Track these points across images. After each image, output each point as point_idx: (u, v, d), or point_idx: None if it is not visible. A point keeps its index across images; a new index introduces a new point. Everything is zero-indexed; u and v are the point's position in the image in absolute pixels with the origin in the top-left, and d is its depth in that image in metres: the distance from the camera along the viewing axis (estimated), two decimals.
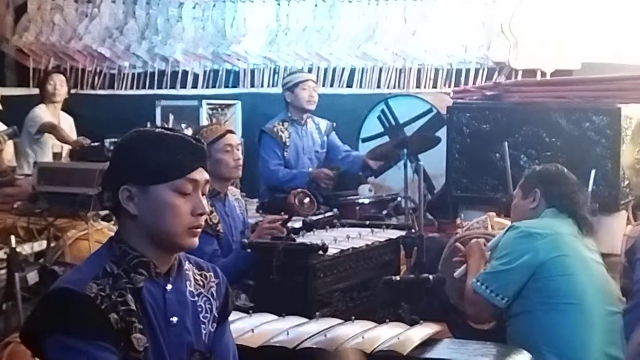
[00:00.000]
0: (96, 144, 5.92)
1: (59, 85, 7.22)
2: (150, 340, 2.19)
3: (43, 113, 7.14)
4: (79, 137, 6.96)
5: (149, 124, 6.81)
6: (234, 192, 4.71)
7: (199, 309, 2.34)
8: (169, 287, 2.28)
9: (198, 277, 2.37)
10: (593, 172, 5.05)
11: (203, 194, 2.27)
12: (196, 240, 2.27)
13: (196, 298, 2.34)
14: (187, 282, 2.34)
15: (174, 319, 2.26)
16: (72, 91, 7.68)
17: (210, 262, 2.48)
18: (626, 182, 5.33)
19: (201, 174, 2.25)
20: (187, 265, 2.36)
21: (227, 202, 4.52)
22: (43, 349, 2.13)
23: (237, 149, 4.51)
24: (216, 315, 2.38)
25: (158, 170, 2.20)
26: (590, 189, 4.89)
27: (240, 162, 4.50)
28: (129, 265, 2.22)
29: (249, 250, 4.14)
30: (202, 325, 2.33)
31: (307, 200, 5.52)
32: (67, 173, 5.54)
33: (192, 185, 2.23)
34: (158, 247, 2.25)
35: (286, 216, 4.42)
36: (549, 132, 5.49)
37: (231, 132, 4.58)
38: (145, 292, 2.22)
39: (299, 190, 5.66)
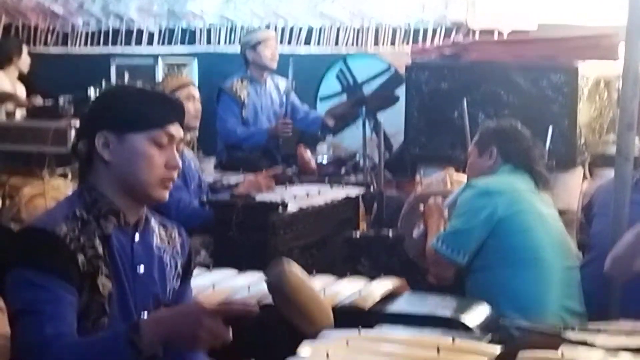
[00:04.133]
0: (50, 102, 5.85)
1: (25, 56, 7.09)
2: (115, 288, 2.20)
3: (1, 81, 7.00)
4: (32, 95, 6.86)
5: (103, 82, 6.75)
6: (188, 151, 4.71)
7: (165, 265, 2.35)
8: (137, 237, 2.29)
9: (163, 234, 2.39)
10: (550, 129, 5.08)
11: (177, 150, 2.28)
12: (167, 193, 2.28)
13: (162, 254, 2.35)
14: (154, 235, 2.35)
15: (141, 268, 2.27)
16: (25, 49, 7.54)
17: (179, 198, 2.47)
18: (582, 139, 5.37)
19: (178, 130, 2.27)
20: (153, 221, 2.38)
21: (183, 154, 4.52)
22: (5, 284, 2.12)
23: (198, 101, 4.64)
24: (180, 273, 2.39)
25: (137, 119, 2.23)
26: (547, 146, 4.93)
27: (199, 113, 4.62)
28: (99, 212, 2.23)
29: (207, 207, 4.12)
30: (167, 281, 2.34)
31: (309, 153, 5.59)
32: (21, 131, 5.48)
33: (168, 138, 2.25)
34: (129, 196, 2.25)
35: (278, 169, 4.46)
36: (507, 90, 5.50)
37: (193, 84, 4.72)
38: (113, 239, 2.23)
39: (301, 145, 5.73)
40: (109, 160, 2.23)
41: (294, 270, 1.99)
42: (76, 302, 2.11)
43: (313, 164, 5.80)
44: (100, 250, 2.19)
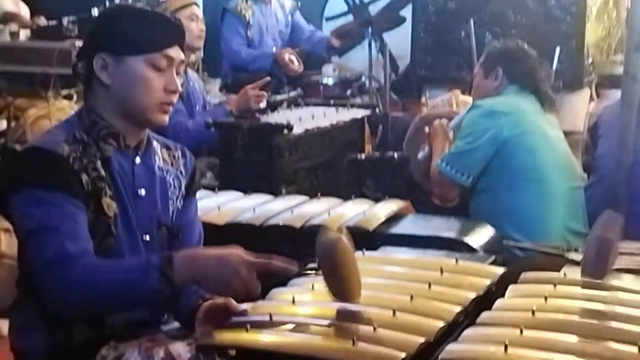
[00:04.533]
0: (54, 22, 5.80)
1: None
2: (119, 209, 2.20)
3: (5, 1, 6.91)
4: (35, 16, 6.79)
5: (107, 2, 6.68)
6: (192, 73, 4.72)
7: (168, 185, 2.35)
8: (137, 160, 2.29)
9: (166, 156, 2.38)
10: (558, 50, 5.04)
11: (177, 74, 2.26)
12: (166, 117, 2.26)
13: (165, 174, 2.35)
14: (156, 157, 2.34)
15: (142, 191, 2.27)
16: None
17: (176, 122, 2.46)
18: (590, 60, 5.34)
19: (177, 52, 2.24)
20: (155, 143, 2.37)
21: (188, 76, 4.51)
22: (11, 205, 2.12)
23: (201, 21, 4.60)
24: (184, 192, 2.39)
25: (135, 42, 2.20)
26: (554, 66, 4.89)
27: (203, 33, 4.58)
28: (99, 135, 2.22)
29: (212, 129, 4.12)
30: (170, 202, 2.34)
31: (294, 57, 5.52)
32: (25, 52, 5.43)
33: (167, 61, 2.22)
34: (128, 119, 2.24)
35: (267, 79, 4.43)
36: (514, 10, 5.45)
37: (196, 4, 4.67)
38: (114, 162, 2.22)
39: (285, 49, 5.65)
40: (107, 83, 2.21)
41: (347, 241, 2.00)
42: (86, 219, 2.11)
43: (297, 66, 5.73)
44: (102, 172, 2.19)
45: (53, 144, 2.14)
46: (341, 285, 2.00)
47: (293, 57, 5.86)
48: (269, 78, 4.48)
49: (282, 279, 2.10)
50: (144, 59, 2.20)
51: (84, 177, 2.14)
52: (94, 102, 2.25)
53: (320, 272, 2.04)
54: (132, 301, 2.04)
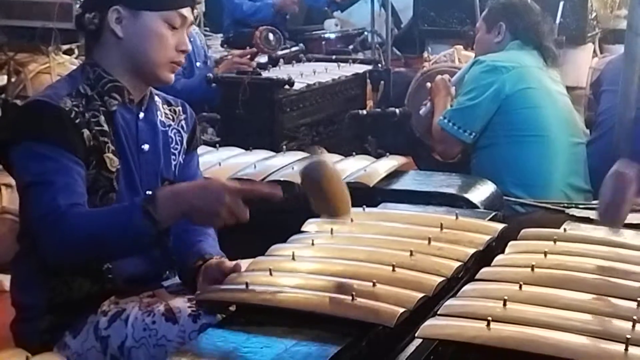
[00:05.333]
0: None
1: None
2: (121, 164, 2.21)
3: None
4: None
5: None
6: (193, 27, 4.67)
7: (170, 140, 2.35)
8: (141, 115, 2.29)
9: (168, 111, 2.39)
10: (561, 4, 5.01)
11: (187, 34, 2.28)
12: (172, 76, 2.28)
13: (167, 129, 2.36)
14: (158, 113, 2.35)
15: (146, 147, 2.28)
16: None
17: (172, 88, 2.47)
18: (594, 14, 5.30)
19: (189, 13, 2.26)
20: (157, 99, 2.38)
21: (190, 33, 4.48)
22: (11, 157, 2.12)
23: None
24: (185, 147, 2.40)
25: None
26: (558, 21, 4.86)
27: None
28: (103, 89, 2.22)
29: (214, 84, 4.10)
30: (172, 156, 2.35)
31: (271, 36, 5.41)
32: (25, 6, 5.39)
33: (181, 20, 2.23)
34: (135, 74, 2.25)
35: (255, 50, 4.38)
36: None
37: None
38: (118, 117, 2.23)
39: (264, 27, 5.55)
40: (120, 37, 2.21)
41: (329, 162, 2.00)
42: (84, 174, 2.11)
43: (262, 45, 5.61)
44: (105, 126, 2.19)
45: (56, 98, 2.14)
46: (327, 201, 1.99)
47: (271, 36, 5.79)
48: (255, 49, 4.42)
49: (268, 205, 2.08)
50: (160, 16, 2.20)
51: (86, 132, 2.14)
52: (99, 56, 2.25)
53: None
54: (122, 244, 2.03)
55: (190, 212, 1.99)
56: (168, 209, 1.98)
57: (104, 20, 2.21)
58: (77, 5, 5.07)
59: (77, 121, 2.13)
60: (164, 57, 2.22)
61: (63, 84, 2.23)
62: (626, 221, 2.41)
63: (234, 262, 2.12)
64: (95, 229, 2.01)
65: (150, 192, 2.12)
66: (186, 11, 2.24)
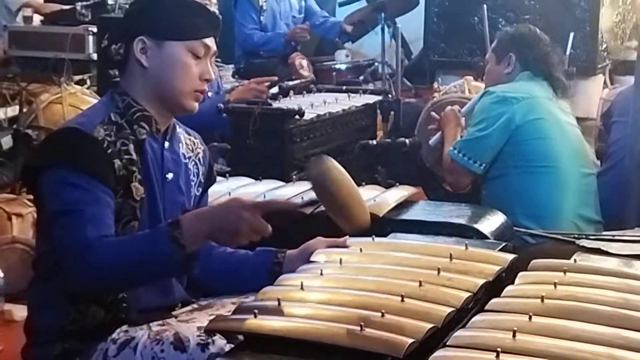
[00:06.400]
0: (68, 7, 5.80)
1: None
2: (147, 193, 2.23)
3: None
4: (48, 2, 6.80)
5: None
6: None
7: (189, 171, 2.39)
8: (166, 144, 2.33)
9: (189, 142, 2.43)
10: (571, 35, 5.02)
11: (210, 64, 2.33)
12: (197, 105, 2.32)
13: (187, 160, 2.39)
14: (180, 144, 2.39)
15: (170, 176, 2.31)
16: None
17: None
18: (604, 45, 5.31)
19: (213, 43, 2.31)
20: (179, 129, 2.41)
21: None
22: (41, 183, 2.14)
23: (215, 6, 4.62)
24: (202, 181, 2.44)
25: (177, 27, 2.25)
26: (568, 52, 4.87)
27: None
28: (132, 118, 2.26)
29: (224, 115, 4.11)
30: (192, 188, 2.39)
31: (305, 62, 5.48)
32: (39, 37, 5.46)
33: (205, 49, 2.28)
34: (161, 104, 2.28)
35: (275, 78, 4.41)
36: None
37: None
38: (146, 145, 2.26)
39: (296, 53, 5.62)
40: (146, 66, 2.25)
41: (336, 165, 2.03)
42: (113, 204, 2.14)
43: (307, 72, 5.68)
44: (134, 155, 2.21)
45: (89, 126, 2.17)
46: (342, 208, 2.01)
47: (304, 62, 5.83)
48: (276, 78, 4.45)
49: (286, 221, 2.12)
50: (185, 45, 2.25)
51: (117, 162, 2.17)
52: (127, 85, 2.29)
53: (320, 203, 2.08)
54: (148, 271, 2.06)
55: (214, 232, 2.04)
56: (193, 232, 2.01)
57: (129, 51, 2.26)
58: (90, 37, 5.13)
59: (109, 151, 2.17)
60: (189, 86, 2.27)
61: (96, 112, 2.27)
62: (637, 252, 2.41)
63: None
64: (122, 259, 2.03)
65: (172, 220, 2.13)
66: (209, 41, 2.29)
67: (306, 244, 2.31)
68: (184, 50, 2.25)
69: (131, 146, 2.22)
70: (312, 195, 2.93)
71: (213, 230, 2.03)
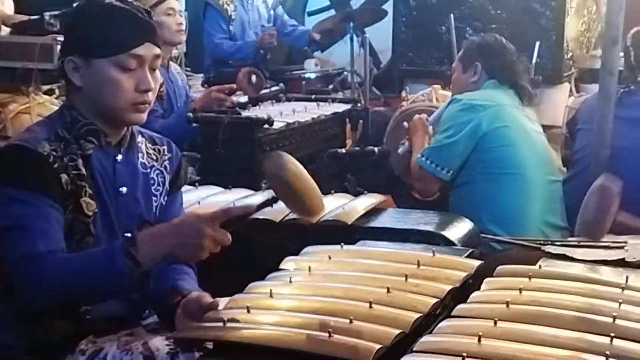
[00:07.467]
0: (36, 17, 5.78)
1: None
2: (99, 208, 2.20)
3: None
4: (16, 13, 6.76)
5: None
6: (175, 67, 4.70)
7: (151, 182, 2.35)
8: (119, 157, 2.28)
9: (151, 151, 2.38)
10: (537, 44, 5.07)
11: (153, 69, 2.24)
12: (143, 116, 2.25)
13: (148, 170, 2.35)
14: (139, 154, 2.34)
15: (124, 189, 2.28)
16: None
17: (149, 121, 2.45)
18: (569, 54, 5.37)
19: (147, 49, 2.21)
20: (139, 139, 2.37)
21: (170, 71, 4.51)
22: None
23: (180, 15, 4.55)
24: (168, 188, 2.40)
25: (100, 44, 2.18)
26: (534, 61, 4.92)
27: (183, 27, 4.57)
28: (79, 132, 2.22)
29: (194, 124, 4.12)
30: (154, 198, 2.35)
31: (254, 78, 5.45)
32: (6, 47, 5.40)
33: (136, 61, 2.20)
34: (104, 119, 2.24)
35: (233, 85, 4.41)
36: (494, 5, 5.48)
37: None
38: (94, 160, 2.23)
39: (246, 68, 5.59)
40: (80, 85, 2.21)
41: (291, 158, 2.04)
42: (62, 219, 2.12)
43: (251, 89, 5.62)
44: (83, 170, 2.19)
45: (34, 142, 2.14)
46: (299, 201, 2.03)
47: (253, 78, 5.80)
48: (234, 85, 4.45)
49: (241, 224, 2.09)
50: (111, 61, 2.18)
51: (64, 177, 2.14)
52: (74, 100, 2.26)
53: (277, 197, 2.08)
54: (102, 288, 2.04)
55: (175, 250, 2.00)
56: (149, 249, 1.98)
57: (65, 70, 2.22)
58: (58, 47, 5.10)
59: (56, 166, 2.13)
60: (124, 100, 2.20)
61: (42, 127, 2.23)
62: (601, 257, 2.45)
63: (212, 299, 2.12)
64: (74, 274, 2.01)
65: (128, 235, 2.12)
66: (141, 49, 2.19)
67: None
68: (111, 66, 2.18)
69: (80, 161, 2.19)
70: (282, 204, 2.96)
71: (173, 248, 1.99)
